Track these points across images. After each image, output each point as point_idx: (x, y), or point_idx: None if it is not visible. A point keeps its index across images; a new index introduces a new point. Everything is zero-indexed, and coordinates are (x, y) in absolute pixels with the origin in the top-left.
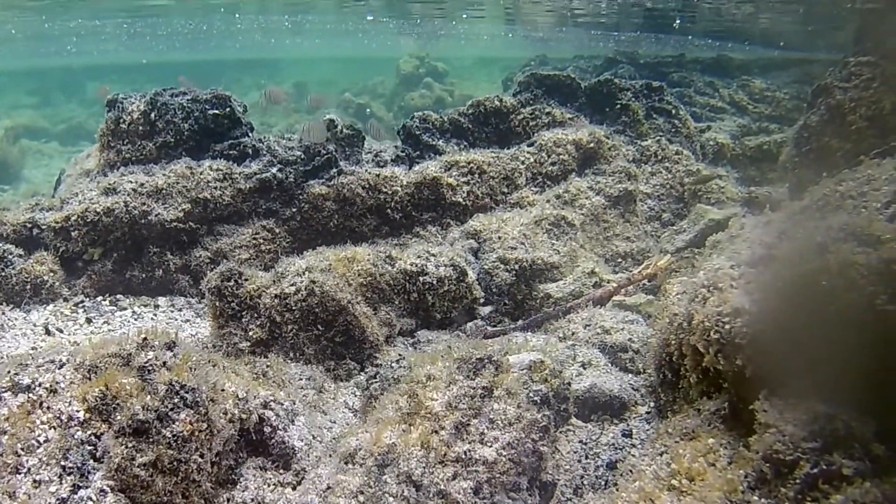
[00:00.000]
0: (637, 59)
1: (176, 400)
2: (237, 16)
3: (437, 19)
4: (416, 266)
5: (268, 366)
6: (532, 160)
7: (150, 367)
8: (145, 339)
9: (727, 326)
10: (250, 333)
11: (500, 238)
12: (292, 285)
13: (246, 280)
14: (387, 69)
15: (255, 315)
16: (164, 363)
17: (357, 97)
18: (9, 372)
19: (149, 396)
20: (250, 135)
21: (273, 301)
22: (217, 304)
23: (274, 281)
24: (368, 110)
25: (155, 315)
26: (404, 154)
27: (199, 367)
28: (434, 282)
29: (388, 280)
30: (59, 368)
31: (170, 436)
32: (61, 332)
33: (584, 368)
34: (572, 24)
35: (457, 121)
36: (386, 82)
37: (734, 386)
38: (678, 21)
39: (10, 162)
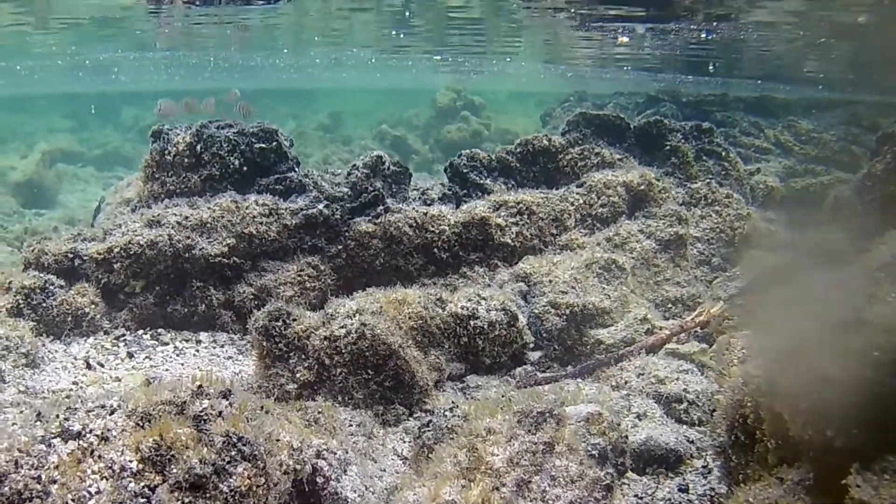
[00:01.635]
0: (679, 98)
1: (233, 452)
2: (282, 54)
3: (476, 56)
4: (467, 309)
5: (319, 412)
6: (581, 201)
7: (206, 417)
8: (200, 386)
9: (816, 396)
10: (298, 375)
11: (550, 282)
12: (342, 327)
13: (294, 320)
14: (422, 101)
15: (303, 356)
16: (220, 413)
17: (393, 129)
18: (58, 416)
19: (205, 448)
20: (296, 169)
21: (322, 343)
22: (264, 344)
23: (323, 322)
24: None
25: (197, 351)
26: (451, 192)
27: (254, 416)
28: (485, 326)
29: (438, 323)
30: (110, 414)
31: (227, 490)
32: (102, 366)
33: (640, 420)
34: (614, 67)
35: (504, 159)
36: (421, 114)
37: (821, 457)
38: (712, 66)
39: (46, 186)
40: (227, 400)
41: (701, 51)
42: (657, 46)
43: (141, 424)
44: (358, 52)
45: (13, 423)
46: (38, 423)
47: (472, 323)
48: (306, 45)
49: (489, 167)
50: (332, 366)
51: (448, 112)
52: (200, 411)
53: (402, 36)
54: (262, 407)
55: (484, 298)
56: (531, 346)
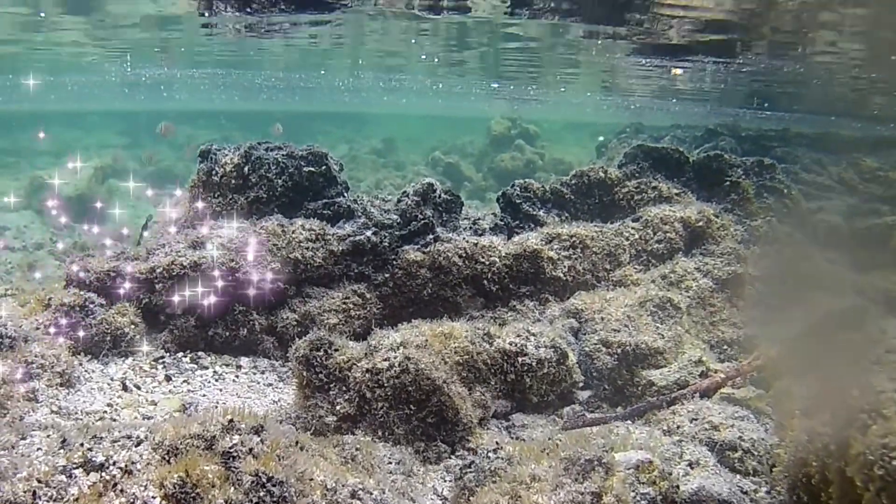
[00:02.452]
0: (738, 132)
1: (262, 493)
2: (338, 82)
3: (531, 85)
4: (516, 346)
5: (357, 448)
6: (637, 236)
7: (236, 454)
8: (231, 420)
9: (895, 463)
10: (338, 408)
11: (602, 319)
12: (385, 360)
13: (336, 350)
14: (476, 129)
15: (344, 388)
16: (251, 450)
17: (446, 155)
18: (82, 445)
19: (232, 488)
20: (345, 194)
21: (364, 375)
22: (304, 373)
23: (366, 354)
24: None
25: (237, 377)
26: (503, 223)
27: (287, 454)
28: (533, 363)
29: (485, 359)
30: (136, 446)
31: None
32: (139, 388)
33: (692, 468)
34: (673, 99)
35: (559, 191)
36: (475, 142)
37: None
38: (756, 101)
39: (97, 201)
40: (259, 436)
41: (761, 85)
42: (717, 80)
43: (167, 458)
44: (413, 77)
45: (37, 449)
46: (62, 450)
47: (520, 360)
48: (361, 68)
49: (543, 198)
50: (373, 399)
51: (502, 140)
52: (230, 447)
53: (459, 64)
54: (296, 442)
55: (533, 334)
56: (580, 384)
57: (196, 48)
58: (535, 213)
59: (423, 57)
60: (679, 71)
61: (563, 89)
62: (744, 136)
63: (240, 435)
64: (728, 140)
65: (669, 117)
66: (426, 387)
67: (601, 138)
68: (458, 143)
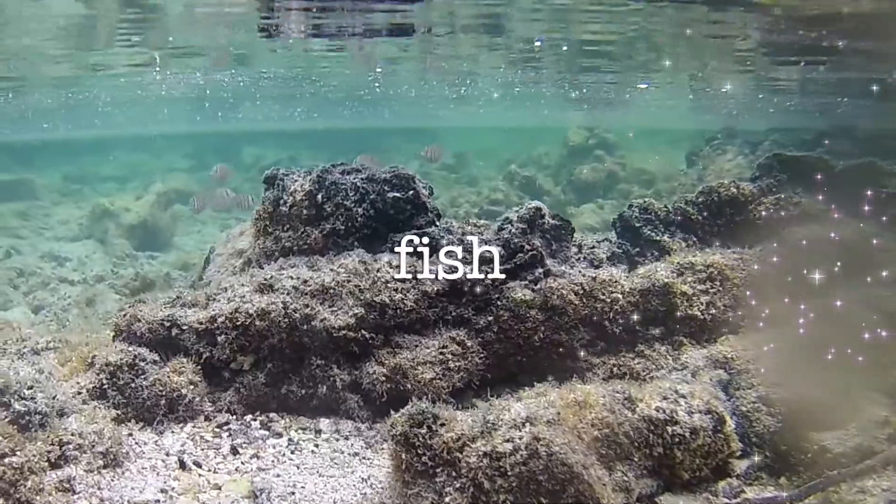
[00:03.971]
0: (855, 134)
1: None
2: (405, 90)
3: (611, 89)
4: (664, 412)
5: None
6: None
7: None
8: None
9: None
10: (447, 499)
11: (759, 369)
12: (509, 442)
13: (443, 425)
14: (549, 139)
15: (455, 475)
16: None
17: (522, 168)
18: None
19: None
20: (438, 223)
21: (481, 461)
22: (403, 455)
23: (482, 432)
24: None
25: (316, 445)
26: (621, 251)
27: None
28: (686, 433)
29: (627, 430)
30: None
31: None
32: (199, 466)
33: None
34: (769, 91)
35: (684, 211)
36: (551, 153)
37: None
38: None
39: (161, 228)
40: None
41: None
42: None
43: None
44: (484, 87)
45: None
46: None
47: (669, 429)
48: (429, 80)
49: (666, 220)
50: (492, 491)
51: (580, 151)
52: None
53: (531, 73)
54: None
55: (683, 396)
56: (738, 453)
57: (257, 58)
58: (658, 238)
59: (495, 68)
60: (643, 86)
61: (645, 86)
62: (861, 137)
63: None
64: (843, 144)
65: (765, 120)
66: (561, 475)
67: (709, 144)
68: (534, 154)
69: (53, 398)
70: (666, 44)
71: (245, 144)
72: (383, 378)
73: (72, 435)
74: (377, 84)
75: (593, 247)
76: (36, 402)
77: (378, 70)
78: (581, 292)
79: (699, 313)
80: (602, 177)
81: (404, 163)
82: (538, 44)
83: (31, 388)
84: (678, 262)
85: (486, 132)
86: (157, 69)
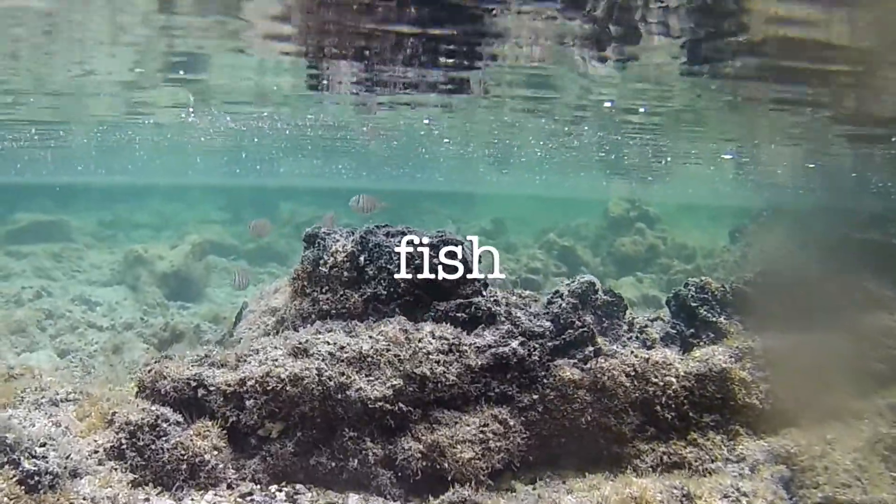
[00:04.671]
0: None
1: None
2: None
3: (652, 167)
4: None
5: None
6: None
7: None
8: None
9: None
10: None
11: (825, 468)
12: None
13: None
14: (586, 210)
15: None
16: None
17: (561, 238)
18: None
19: None
20: (484, 292)
21: None
22: None
23: None
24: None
25: None
26: (675, 332)
27: None
28: None
29: None
30: None
31: None
32: None
33: None
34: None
35: (742, 292)
36: (589, 224)
37: None
38: None
39: (194, 279)
40: None
41: None
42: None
43: None
44: (523, 155)
45: None
46: None
47: None
48: (470, 146)
49: (723, 301)
50: None
51: (621, 223)
52: None
53: (573, 143)
54: None
55: (745, 495)
56: None
57: (298, 119)
58: (714, 319)
59: (532, 140)
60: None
61: (688, 163)
62: None
63: None
64: None
65: (812, 198)
66: None
67: (754, 221)
68: (572, 225)
69: (67, 457)
70: (714, 118)
71: (281, 200)
72: (419, 455)
73: (83, 499)
74: (423, 150)
75: (645, 326)
76: (48, 462)
77: (381, 134)
78: (633, 374)
79: (758, 402)
80: (642, 250)
81: (438, 226)
82: (642, 110)
83: (43, 445)
84: (737, 346)
85: (522, 200)
86: (191, 109)
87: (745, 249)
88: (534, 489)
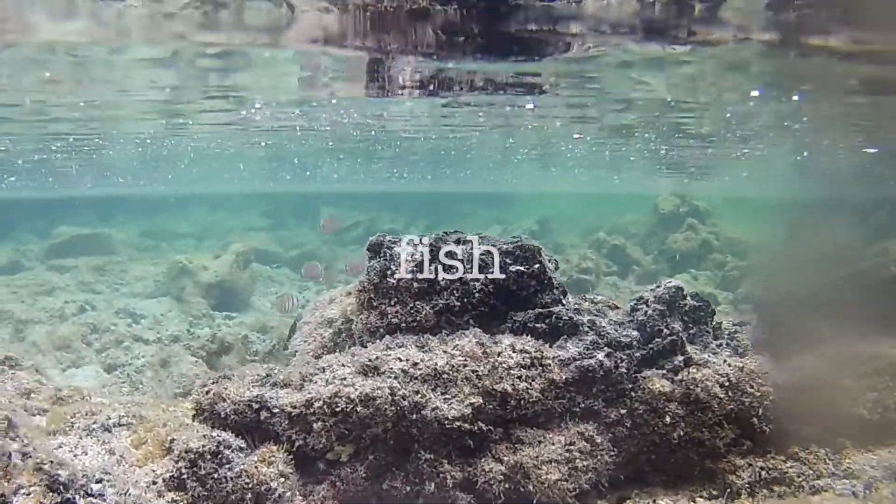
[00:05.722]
0: None
1: None
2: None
3: (703, 157)
4: None
5: None
6: None
7: None
8: None
9: None
10: None
11: None
12: None
13: None
14: (634, 206)
15: None
16: None
17: (610, 236)
18: None
19: None
20: (564, 301)
21: None
22: None
23: None
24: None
25: None
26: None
27: None
28: None
29: None
30: None
31: None
32: None
33: None
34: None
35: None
36: (638, 221)
37: None
38: None
39: (239, 288)
40: None
41: None
42: None
43: None
44: (568, 153)
45: None
46: None
47: None
48: (513, 145)
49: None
50: None
51: (671, 219)
52: None
53: (620, 139)
54: None
55: None
56: None
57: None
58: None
59: (577, 136)
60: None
61: (740, 154)
62: None
63: None
64: None
65: (870, 190)
66: None
67: None
68: (621, 222)
69: (125, 493)
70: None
71: (322, 205)
72: (501, 477)
73: None
74: (466, 149)
75: (735, 331)
76: (105, 500)
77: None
78: (727, 384)
79: (865, 412)
80: (695, 246)
81: (481, 229)
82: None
83: (99, 481)
84: (838, 353)
85: (564, 198)
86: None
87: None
88: None
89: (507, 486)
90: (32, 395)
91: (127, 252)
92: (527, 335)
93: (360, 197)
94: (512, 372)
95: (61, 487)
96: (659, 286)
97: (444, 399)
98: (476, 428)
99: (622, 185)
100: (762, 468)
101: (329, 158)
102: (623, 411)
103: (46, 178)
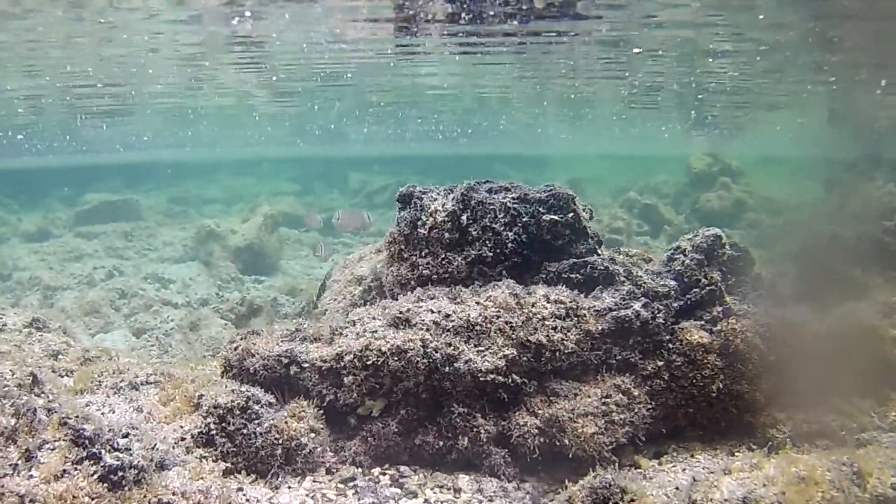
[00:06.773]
0: None
1: None
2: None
3: (737, 116)
4: None
5: None
6: None
7: None
8: None
9: None
10: None
11: None
12: None
13: (632, 501)
14: (665, 167)
15: None
16: None
17: (642, 196)
18: None
19: None
20: (600, 251)
21: None
22: None
23: None
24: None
25: None
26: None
27: None
28: None
29: None
30: None
31: None
32: None
33: None
34: None
35: (884, 242)
36: (670, 181)
37: None
38: None
39: (267, 251)
40: None
41: None
42: None
43: None
44: (600, 113)
45: None
46: None
47: None
48: (544, 105)
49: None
50: None
51: (704, 178)
52: None
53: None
54: None
55: None
56: None
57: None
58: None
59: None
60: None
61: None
62: None
63: None
64: None
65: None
66: None
67: (850, 171)
68: (651, 182)
69: (152, 448)
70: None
71: (350, 170)
72: (536, 431)
73: (173, 494)
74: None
75: (774, 281)
76: (132, 455)
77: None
78: (767, 335)
79: None
80: (728, 205)
81: None
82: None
83: (126, 435)
84: (883, 301)
85: (595, 160)
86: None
87: (842, 201)
88: (659, 464)
89: (541, 439)
90: (60, 357)
91: (155, 218)
92: (561, 285)
93: (389, 160)
94: (546, 323)
95: (87, 442)
96: (697, 235)
97: (478, 351)
98: (510, 380)
99: (654, 145)
100: (803, 421)
101: (357, 123)
102: (660, 363)
103: (71, 143)
